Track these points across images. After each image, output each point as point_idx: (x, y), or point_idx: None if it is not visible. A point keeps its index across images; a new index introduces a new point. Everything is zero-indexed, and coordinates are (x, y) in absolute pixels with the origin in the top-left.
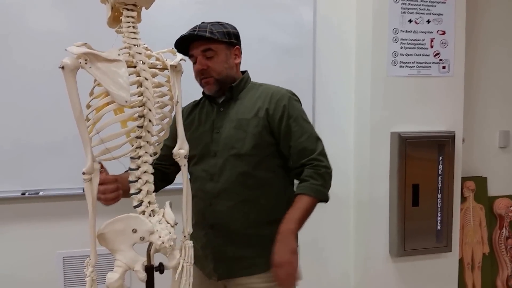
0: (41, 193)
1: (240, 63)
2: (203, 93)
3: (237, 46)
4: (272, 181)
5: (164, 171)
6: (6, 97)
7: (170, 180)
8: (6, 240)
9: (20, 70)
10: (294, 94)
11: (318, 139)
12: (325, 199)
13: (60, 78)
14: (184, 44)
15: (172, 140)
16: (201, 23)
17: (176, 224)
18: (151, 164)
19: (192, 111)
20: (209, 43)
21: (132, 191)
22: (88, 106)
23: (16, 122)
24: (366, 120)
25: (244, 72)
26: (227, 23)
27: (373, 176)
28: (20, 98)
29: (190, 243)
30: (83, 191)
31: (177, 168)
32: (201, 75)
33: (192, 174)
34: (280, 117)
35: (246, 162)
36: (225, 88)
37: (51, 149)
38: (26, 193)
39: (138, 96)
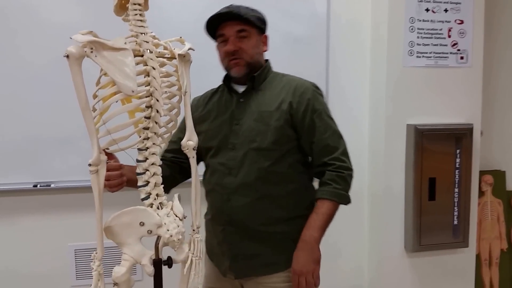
0: (52, 185)
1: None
2: (223, 81)
3: (265, 34)
4: (292, 177)
5: (182, 164)
6: (18, 89)
7: (189, 174)
8: (18, 231)
9: (32, 63)
10: (318, 88)
11: (340, 137)
12: (347, 203)
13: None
14: (213, 24)
15: None
16: (231, 4)
17: (184, 218)
18: (167, 158)
19: (210, 100)
20: (244, 24)
21: (139, 183)
22: (95, 96)
23: (28, 115)
24: (382, 112)
25: (266, 61)
26: (256, 9)
27: (388, 170)
28: (32, 90)
29: (199, 237)
30: None
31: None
32: (231, 56)
33: (209, 166)
34: (304, 111)
35: (266, 156)
36: (251, 73)
37: (63, 142)
38: (38, 185)
39: (145, 86)
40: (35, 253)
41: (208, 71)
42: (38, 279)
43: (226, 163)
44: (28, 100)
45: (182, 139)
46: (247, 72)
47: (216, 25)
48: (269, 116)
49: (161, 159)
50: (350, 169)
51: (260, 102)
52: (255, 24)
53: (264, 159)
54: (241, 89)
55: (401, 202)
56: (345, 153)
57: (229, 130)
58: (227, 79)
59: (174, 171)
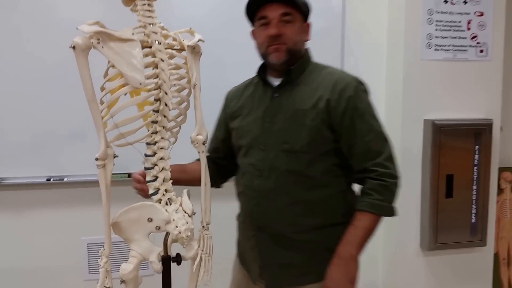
0: (65, 179)
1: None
2: (257, 72)
3: (307, 22)
4: (328, 182)
5: (219, 163)
6: (31, 85)
7: (230, 173)
8: (32, 225)
9: (44, 58)
10: (361, 83)
11: (385, 140)
12: (391, 215)
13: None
14: (253, 6)
15: (224, 131)
16: None
17: (194, 214)
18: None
19: (243, 94)
20: (289, 7)
21: (148, 178)
22: (102, 89)
23: (42, 110)
24: (398, 107)
25: (305, 50)
26: None
27: (404, 166)
28: (45, 85)
29: (208, 234)
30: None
31: (233, 160)
32: (273, 41)
33: (239, 167)
34: (343, 110)
35: (299, 159)
36: (292, 62)
37: (76, 136)
38: (51, 179)
39: (154, 79)
40: (48, 247)
41: (222, 67)
42: (51, 273)
43: (256, 164)
44: (42, 95)
45: (219, 137)
46: (287, 60)
47: (256, 7)
48: (303, 115)
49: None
50: (394, 176)
51: (295, 99)
52: (300, 8)
53: (296, 162)
54: (276, 82)
55: (418, 199)
56: (389, 158)
57: (261, 129)
58: (262, 71)
59: (212, 171)
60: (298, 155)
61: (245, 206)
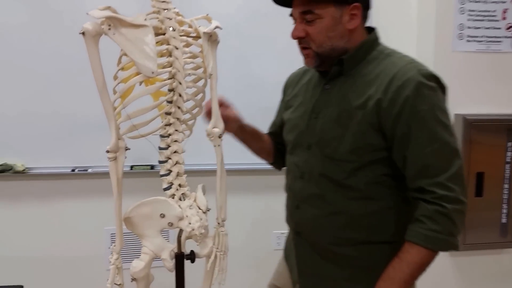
0: (89, 170)
1: (361, 25)
2: None
3: (355, 4)
4: (375, 194)
5: (279, 147)
6: (56, 76)
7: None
8: (56, 215)
9: (69, 48)
10: (429, 79)
11: (453, 154)
12: (451, 249)
13: (111, 55)
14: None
15: (281, 118)
16: None
17: (208, 210)
18: None
19: (300, 81)
20: (310, 4)
21: (161, 172)
22: (115, 78)
23: (67, 101)
24: None
25: (371, 31)
26: None
27: None
28: (70, 77)
29: (224, 231)
30: (131, 169)
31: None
32: (299, 43)
33: (286, 163)
34: (397, 113)
35: (340, 167)
36: (330, 62)
37: (101, 127)
38: (76, 170)
39: (167, 67)
40: (72, 237)
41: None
42: (74, 262)
43: (300, 165)
44: (66, 86)
45: (276, 124)
46: (319, 64)
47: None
48: (349, 116)
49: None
50: (459, 201)
51: (344, 93)
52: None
53: (338, 170)
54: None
55: None
56: (455, 177)
57: (307, 125)
58: None
59: (277, 157)
60: (338, 164)
61: (287, 206)
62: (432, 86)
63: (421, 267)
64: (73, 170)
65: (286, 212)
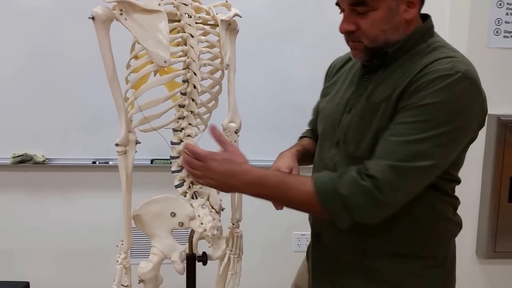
0: (111, 163)
1: (417, 14)
2: None
3: None
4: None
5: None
6: (78, 68)
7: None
8: (76, 207)
9: (90, 40)
10: (465, 77)
11: (416, 158)
12: (332, 216)
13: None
14: None
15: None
16: None
17: (222, 210)
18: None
19: (343, 67)
20: None
21: (173, 168)
22: (128, 66)
23: (90, 91)
24: None
25: (426, 19)
26: None
27: (464, 164)
28: (92, 70)
29: (239, 232)
30: (151, 163)
31: None
32: (347, 37)
33: (315, 154)
34: (407, 97)
35: None
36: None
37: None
38: (97, 162)
39: (181, 57)
40: (91, 230)
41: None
42: (94, 255)
43: (324, 160)
44: (88, 79)
45: (315, 115)
46: (369, 59)
47: None
48: (372, 111)
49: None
50: (381, 189)
51: (378, 87)
52: None
53: None
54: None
55: (476, 202)
56: (398, 171)
57: (339, 118)
58: None
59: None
60: (358, 163)
61: None
62: (462, 84)
63: (289, 198)
64: (94, 162)
65: None
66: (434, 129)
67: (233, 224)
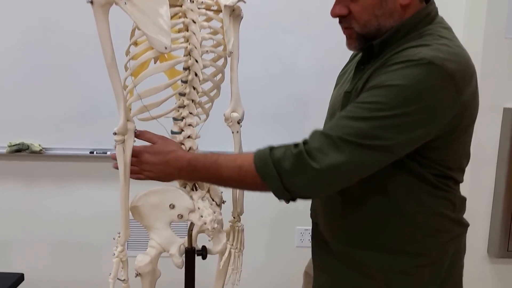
0: (108, 153)
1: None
2: None
3: None
4: (382, 183)
5: None
6: (76, 57)
7: None
8: (73, 198)
9: (88, 28)
10: (431, 63)
11: (354, 135)
12: (270, 188)
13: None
14: None
15: None
16: None
17: (223, 203)
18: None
19: (355, 57)
20: None
21: None
22: (127, 53)
23: (86, 82)
24: None
25: (429, 3)
26: None
27: (477, 160)
28: (90, 58)
29: (240, 226)
30: None
31: None
32: (340, 22)
33: None
34: (369, 82)
35: None
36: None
37: None
38: (95, 152)
39: (183, 43)
40: (89, 220)
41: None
42: (90, 247)
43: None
44: (87, 67)
45: None
46: (362, 47)
47: None
48: (345, 98)
49: None
50: (309, 152)
51: (368, 77)
52: None
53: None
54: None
55: (489, 199)
56: (329, 142)
57: (339, 108)
58: None
59: None
60: None
61: None
62: (420, 66)
63: (221, 175)
64: (91, 152)
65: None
66: (383, 110)
67: (234, 217)
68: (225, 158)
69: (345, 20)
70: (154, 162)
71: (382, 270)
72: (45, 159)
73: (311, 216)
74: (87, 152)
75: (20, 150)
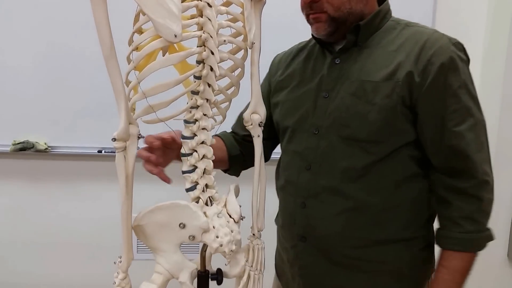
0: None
1: None
2: (312, 34)
3: None
4: (401, 182)
5: (247, 144)
6: (84, 57)
7: (265, 157)
8: (81, 198)
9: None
10: (461, 48)
11: (485, 132)
12: (490, 241)
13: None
14: None
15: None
16: None
17: (242, 219)
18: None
19: (294, 60)
20: None
21: (184, 168)
22: (130, 42)
23: (95, 81)
24: (497, 95)
25: (383, 1)
26: None
27: (499, 161)
28: (97, 57)
29: (260, 244)
30: None
31: (274, 142)
32: (309, 9)
33: (282, 154)
34: (429, 85)
35: (363, 152)
36: (344, 30)
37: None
38: (103, 151)
39: (196, 31)
40: (96, 221)
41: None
42: (97, 249)
43: (305, 154)
44: (94, 66)
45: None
46: (332, 31)
47: None
48: (374, 90)
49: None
50: (491, 185)
51: (363, 66)
52: None
53: (359, 155)
54: (338, 45)
55: (510, 200)
56: (489, 160)
57: (313, 106)
58: None
59: (244, 151)
60: (362, 146)
61: (285, 207)
62: (463, 57)
63: (468, 270)
64: (99, 151)
65: (282, 215)
66: (476, 101)
67: (253, 234)
68: (462, 270)
69: (316, 5)
70: None
71: (397, 263)
72: (51, 158)
73: (296, 232)
74: (95, 151)
75: (24, 149)
